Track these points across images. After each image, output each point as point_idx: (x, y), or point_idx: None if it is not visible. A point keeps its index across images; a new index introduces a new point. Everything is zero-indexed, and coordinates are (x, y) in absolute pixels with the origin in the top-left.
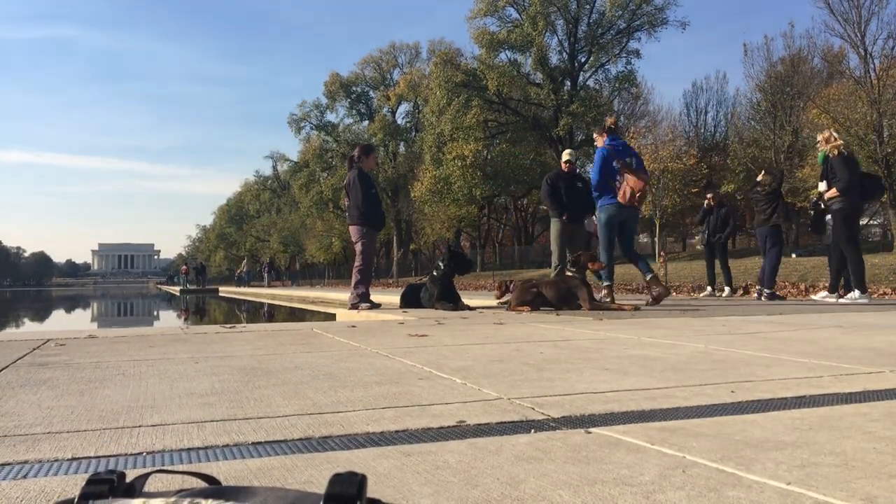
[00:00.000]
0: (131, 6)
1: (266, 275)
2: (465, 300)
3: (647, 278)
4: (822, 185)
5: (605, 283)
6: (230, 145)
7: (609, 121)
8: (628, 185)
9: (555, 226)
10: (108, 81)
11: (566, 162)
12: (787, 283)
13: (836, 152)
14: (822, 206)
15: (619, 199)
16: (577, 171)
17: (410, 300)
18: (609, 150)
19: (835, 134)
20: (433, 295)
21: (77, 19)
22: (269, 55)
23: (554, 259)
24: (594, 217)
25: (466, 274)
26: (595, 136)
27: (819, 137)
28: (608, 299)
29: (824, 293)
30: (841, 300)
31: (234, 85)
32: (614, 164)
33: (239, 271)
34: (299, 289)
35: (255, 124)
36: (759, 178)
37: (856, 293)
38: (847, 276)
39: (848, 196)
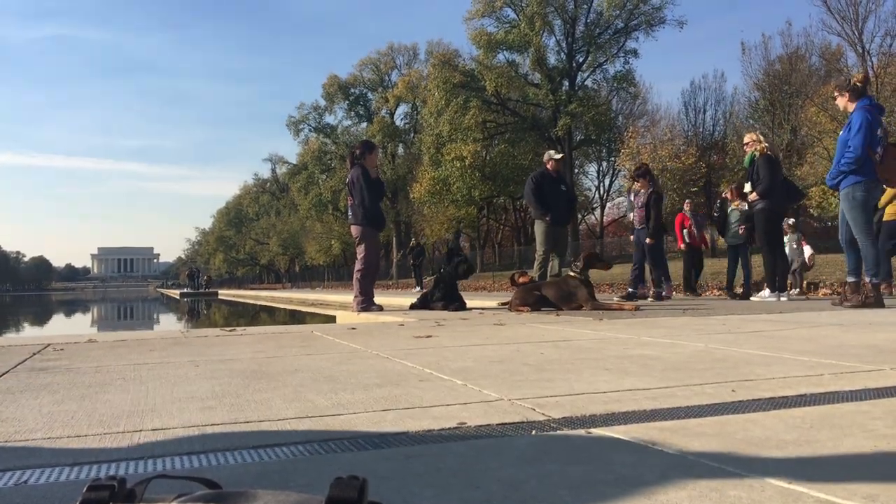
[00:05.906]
0: (130, 2)
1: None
2: (466, 301)
3: (849, 280)
4: (748, 186)
5: (851, 280)
6: (231, 146)
7: (856, 77)
8: None
9: (540, 227)
10: (106, 80)
11: (552, 160)
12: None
13: (763, 152)
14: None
15: (882, 175)
16: (562, 172)
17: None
18: (873, 114)
19: (760, 136)
20: (436, 297)
21: (76, 16)
22: (274, 54)
23: (538, 260)
24: (850, 196)
25: (466, 277)
26: (836, 95)
27: (746, 139)
28: (873, 295)
29: (766, 292)
30: (752, 297)
31: (237, 84)
32: (878, 131)
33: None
34: (299, 291)
35: (256, 125)
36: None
37: (766, 292)
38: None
39: (770, 198)
